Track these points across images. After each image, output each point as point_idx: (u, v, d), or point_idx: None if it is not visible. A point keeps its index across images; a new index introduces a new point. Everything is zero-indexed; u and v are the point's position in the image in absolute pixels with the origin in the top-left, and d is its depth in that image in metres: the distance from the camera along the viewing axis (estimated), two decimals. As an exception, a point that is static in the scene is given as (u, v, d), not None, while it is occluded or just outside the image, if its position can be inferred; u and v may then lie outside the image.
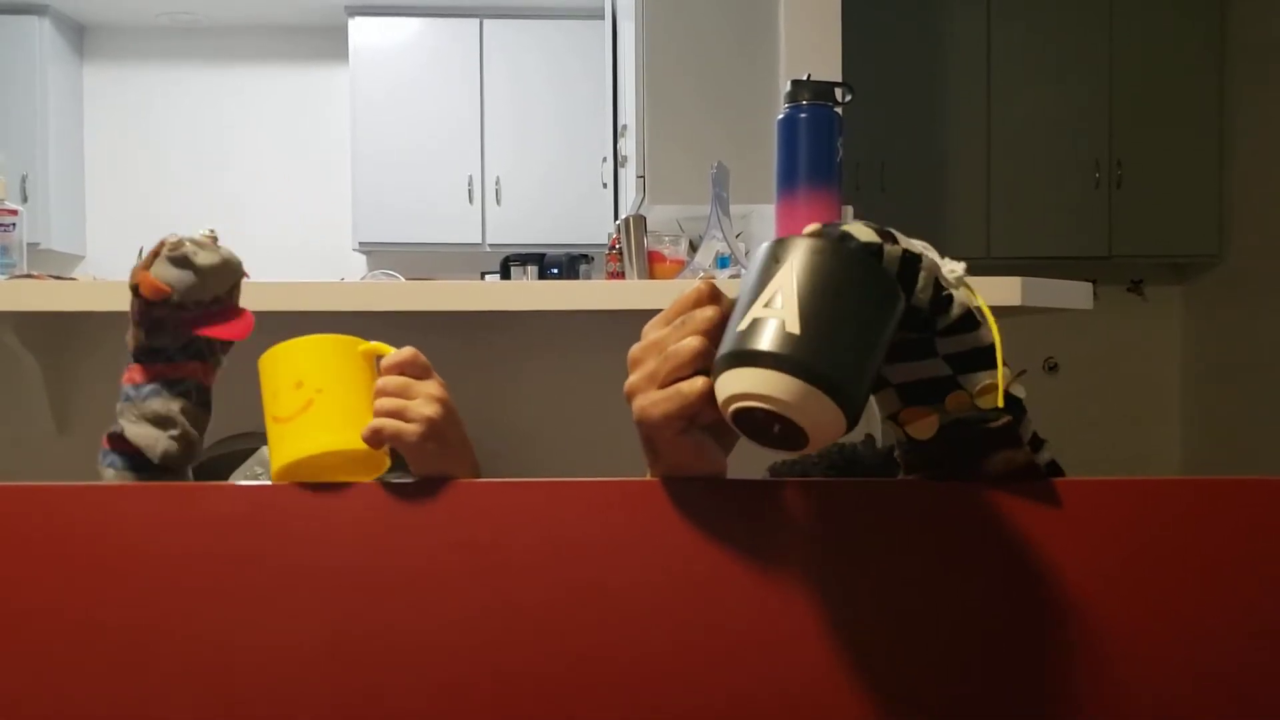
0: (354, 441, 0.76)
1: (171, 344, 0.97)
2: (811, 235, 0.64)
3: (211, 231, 0.98)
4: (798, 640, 0.69)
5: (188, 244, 0.95)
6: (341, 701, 0.69)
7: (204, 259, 0.95)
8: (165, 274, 0.94)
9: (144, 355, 0.97)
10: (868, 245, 0.65)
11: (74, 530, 0.71)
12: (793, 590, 0.69)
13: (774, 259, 0.62)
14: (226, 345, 1.01)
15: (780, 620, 0.69)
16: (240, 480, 1.25)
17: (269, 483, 0.75)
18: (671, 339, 0.66)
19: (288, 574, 0.70)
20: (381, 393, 0.78)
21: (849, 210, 1.85)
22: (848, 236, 0.64)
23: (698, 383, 0.64)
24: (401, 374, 0.79)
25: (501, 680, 0.69)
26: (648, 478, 0.72)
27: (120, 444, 0.97)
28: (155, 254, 0.96)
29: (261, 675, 0.69)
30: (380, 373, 0.79)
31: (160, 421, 0.96)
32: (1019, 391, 0.70)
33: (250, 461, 1.28)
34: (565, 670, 0.69)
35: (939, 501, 0.71)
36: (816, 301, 0.60)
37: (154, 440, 0.96)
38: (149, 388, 0.97)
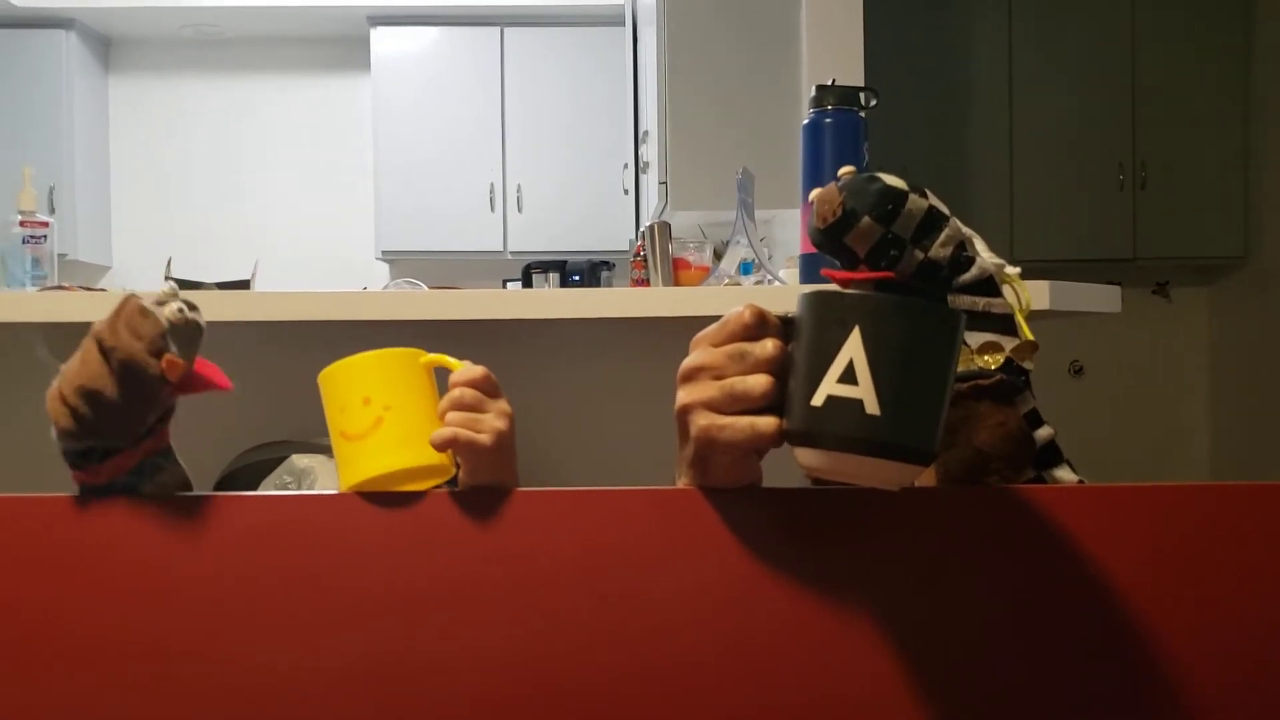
0: (426, 456, 0.78)
1: (153, 414, 0.75)
2: (867, 292, 0.63)
3: (172, 286, 0.76)
4: (838, 649, 0.69)
5: (181, 307, 0.74)
6: (372, 718, 0.69)
7: (196, 316, 0.76)
8: (178, 350, 0.73)
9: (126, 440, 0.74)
10: (893, 189, 0.69)
11: (101, 543, 0.70)
12: (832, 599, 0.69)
13: (839, 322, 0.61)
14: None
15: (820, 630, 0.69)
16: (270, 490, 1.26)
17: (298, 492, 0.75)
18: (730, 370, 0.66)
19: (316, 587, 0.70)
20: (458, 405, 0.78)
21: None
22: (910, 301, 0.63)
23: (772, 422, 0.65)
24: (475, 388, 0.80)
25: (537, 694, 0.69)
26: (678, 485, 0.73)
27: None
28: (157, 335, 0.70)
29: (289, 694, 0.69)
30: (450, 386, 0.80)
31: (177, 488, 0.78)
32: (1026, 364, 0.71)
33: (280, 470, 1.28)
34: (601, 682, 0.69)
35: (975, 509, 0.71)
36: (894, 377, 0.60)
37: None
38: (146, 464, 0.75)
